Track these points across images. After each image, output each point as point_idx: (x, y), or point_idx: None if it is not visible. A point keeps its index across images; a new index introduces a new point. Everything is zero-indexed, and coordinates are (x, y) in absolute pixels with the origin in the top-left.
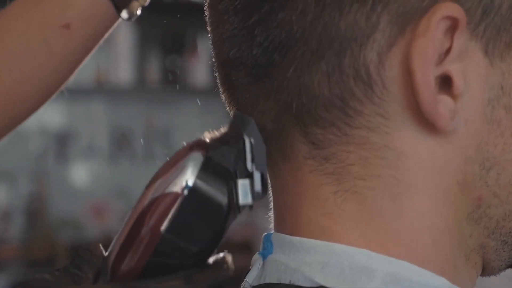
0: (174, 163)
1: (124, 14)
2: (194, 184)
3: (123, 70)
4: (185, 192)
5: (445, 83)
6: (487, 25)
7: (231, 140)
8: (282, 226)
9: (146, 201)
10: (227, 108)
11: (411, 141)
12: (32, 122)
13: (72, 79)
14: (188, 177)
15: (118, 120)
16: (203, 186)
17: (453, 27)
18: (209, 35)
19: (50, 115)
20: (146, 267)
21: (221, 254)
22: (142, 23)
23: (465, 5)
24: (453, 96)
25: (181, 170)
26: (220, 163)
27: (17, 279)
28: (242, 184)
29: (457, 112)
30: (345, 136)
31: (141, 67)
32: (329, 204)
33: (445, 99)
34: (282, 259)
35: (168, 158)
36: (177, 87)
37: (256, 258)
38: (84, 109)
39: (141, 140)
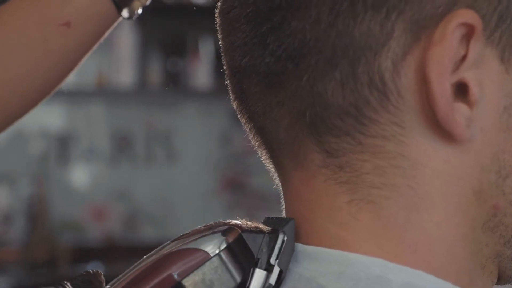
0: (210, 229)
1: (125, 13)
2: (221, 253)
3: (124, 73)
4: (212, 255)
5: (461, 90)
6: (503, 31)
7: (266, 232)
8: (296, 234)
9: (173, 250)
10: (238, 116)
11: (426, 150)
12: (33, 124)
13: (73, 81)
14: (219, 245)
15: (119, 122)
16: (227, 259)
17: (468, 34)
18: (220, 43)
19: (51, 117)
20: None
21: None
22: (143, 26)
23: (480, 12)
24: (469, 104)
25: (215, 237)
26: (249, 246)
27: (18, 282)
28: (258, 274)
29: (473, 120)
30: (360, 145)
31: (142, 70)
32: (343, 214)
33: (461, 107)
34: (296, 268)
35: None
36: (178, 90)
37: None
38: (85, 112)
39: (142, 142)
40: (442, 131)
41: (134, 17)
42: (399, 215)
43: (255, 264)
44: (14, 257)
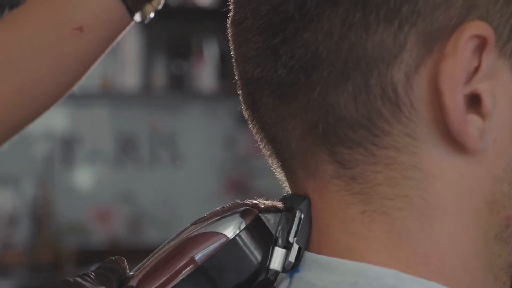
0: (228, 211)
1: (137, 17)
2: (239, 235)
3: (129, 75)
4: (231, 237)
5: (474, 102)
6: None
7: (283, 210)
8: (308, 244)
9: (193, 234)
10: (250, 126)
11: (439, 161)
12: (38, 126)
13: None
14: (237, 227)
15: (124, 124)
16: (246, 240)
17: (481, 45)
18: (232, 53)
19: (56, 120)
20: None
21: None
22: (148, 28)
23: (493, 23)
24: (482, 115)
25: (233, 219)
26: (267, 226)
27: (22, 284)
28: (278, 252)
29: (486, 131)
30: (373, 156)
31: (147, 72)
32: (356, 224)
33: (474, 119)
34: (309, 278)
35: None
36: (183, 92)
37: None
38: (90, 114)
39: (147, 145)
40: (455, 142)
41: (146, 21)
42: (412, 226)
43: (274, 243)
44: (19, 259)
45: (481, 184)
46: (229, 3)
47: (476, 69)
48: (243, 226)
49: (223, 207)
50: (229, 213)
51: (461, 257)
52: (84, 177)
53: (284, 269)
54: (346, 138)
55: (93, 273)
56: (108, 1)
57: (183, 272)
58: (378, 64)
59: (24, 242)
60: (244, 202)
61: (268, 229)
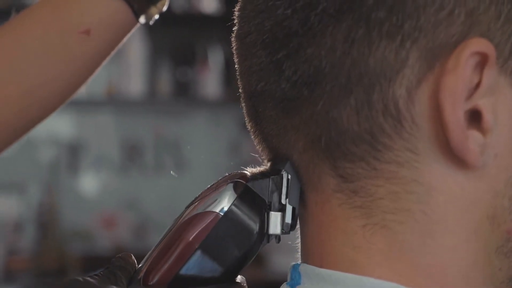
0: (216, 188)
1: (142, 19)
2: (231, 208)
3: (134, 82)
4: (222, 213)
5: (474, 118)
6: None
7: (270, 175)
8: (310, 256)
9: (186, 217)
10: (252, 137)
11: (440, 176)
12: (43, 133)
13: (83, 90)
14: (227, 201)
15: (129, 131)
16: (239, 211)
17: (482, 62)
18: (236, 66)
19: (61, 126)
20: (175, 278)
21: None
22: (153, 35)
23: (494, 40)
24: (483, 131)
25: (222, 194)
26: (258, 193)
27: None
28: (274, 216)
29: (487, 147)
30: (374, 170)
31: (151, 79)
32: (357, 238)
33: (475, 134)
34: None
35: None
36: (187, 99)
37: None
38: (95, 120)
39: (152, 151)
40: (456, 157)
41: (151, 23)
42: (413, 240)
43: (268, 208)
44: (24, 265)
45: (482, 198)
46: (234, 11)
47: (477, 86)
48: (232, 200)
49: (211, 186)
50: (218, 190)
51: (462, 270)
52: (89, 183)
53: (283, 232)
54: (348, 152)
55: (101, 273)
56: (114, 4)
57: (184, 257)
58: (380, 80)
59: (29, 248)
60: (232, 174)
61: (259, 196)
